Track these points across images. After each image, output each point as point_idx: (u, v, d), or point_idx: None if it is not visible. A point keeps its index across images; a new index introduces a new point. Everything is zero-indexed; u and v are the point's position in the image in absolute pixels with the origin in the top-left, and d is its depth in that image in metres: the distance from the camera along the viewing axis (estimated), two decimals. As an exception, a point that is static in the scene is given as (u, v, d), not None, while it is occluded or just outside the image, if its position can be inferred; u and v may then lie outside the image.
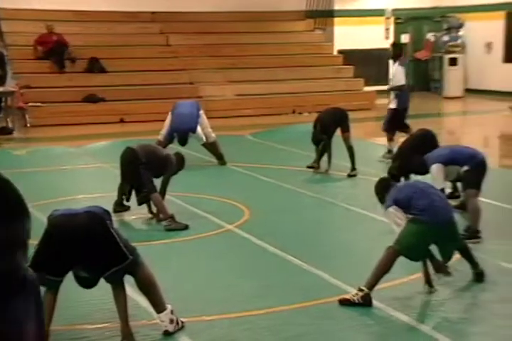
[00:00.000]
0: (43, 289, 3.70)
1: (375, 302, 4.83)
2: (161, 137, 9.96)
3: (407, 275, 5.32)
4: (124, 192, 7.18)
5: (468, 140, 11.97)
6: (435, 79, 19.79)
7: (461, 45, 19.19)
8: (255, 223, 7.02)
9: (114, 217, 5.43)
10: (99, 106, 14.79)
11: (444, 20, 19.66)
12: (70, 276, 4.26)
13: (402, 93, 10.41)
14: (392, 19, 19.28)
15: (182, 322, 4.48)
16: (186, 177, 8.06)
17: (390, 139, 10.42)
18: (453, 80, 18.95)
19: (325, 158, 9.42)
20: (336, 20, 18.86)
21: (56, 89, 14.89)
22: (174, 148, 9.31)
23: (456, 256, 5.25)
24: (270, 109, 15.68)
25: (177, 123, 9.81)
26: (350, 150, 9.34)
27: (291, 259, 5.85)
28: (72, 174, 9.80)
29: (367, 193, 6.64)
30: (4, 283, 2.44)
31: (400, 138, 9.88)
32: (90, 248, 4.10)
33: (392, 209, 4.99)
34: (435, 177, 6.50)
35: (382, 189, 5.32)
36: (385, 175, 7.10)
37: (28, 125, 14.13)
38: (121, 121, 14.68)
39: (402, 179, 7.35)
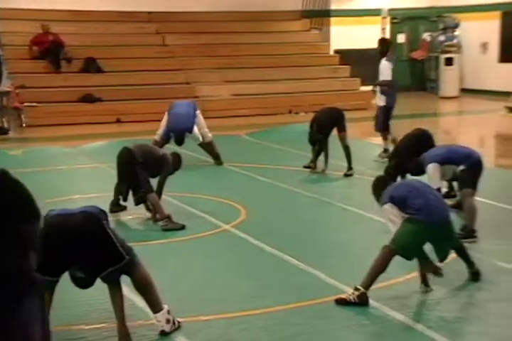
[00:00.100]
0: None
1: (371, 301, 4.84)
2: (157, 137, 9.96)
3: (403, 274, 5.33)
4: (120, 192, 7.17)
5: (464, 140, 11.98)
6: (431, 79, 19.82)
7: (457, 44, 19.21)
8: (252, 223, 7.02)
9: (111, 217, 5.44)
10: (95, 106, 14.77)
11: (440, 20, 19.68)
12: (66, 276, 4.25)
13: (390, 91, 10.38)
14: (388, 19, 19.26)
15: (179, 322, 4.48)
16: (183, 177, 8.06)
17: (385, 138, 10.43)
18: (449, 80, 18.98)
19: (321, 157, 9.44)
20: (332, 20, 18.87)
21: (52, 89, 14.86)
22: (171, 148, 9.31)
23: (452, 255, 5.27)
24: (266, 109, 15.67)
25: (173, 123, 9.81)
26: (347, 149, 9.35)
27: (287, 259, 5.85)
28: (69, 174, 9.78)
29: (363, 193, 6.65)
30: (16, 284, 2.43)
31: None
32: (86, 248, 4.10)
33: (387, 206, 5.00)
34: (431, 177, 6.52)
35: (379, 188, 5.32)
36: (381, 174, 7.10)
37: (24, 125, 14.10)
38: (118, 121, 14.66)
39: (399, 178, 7.37)
